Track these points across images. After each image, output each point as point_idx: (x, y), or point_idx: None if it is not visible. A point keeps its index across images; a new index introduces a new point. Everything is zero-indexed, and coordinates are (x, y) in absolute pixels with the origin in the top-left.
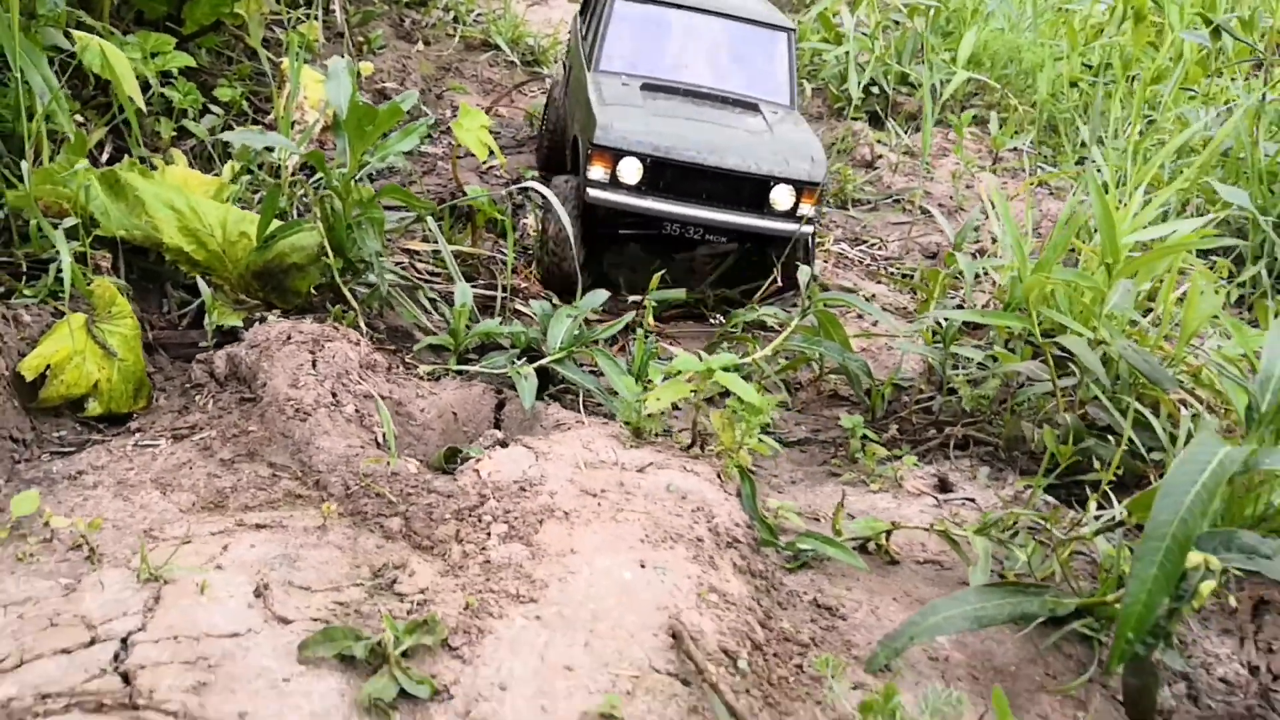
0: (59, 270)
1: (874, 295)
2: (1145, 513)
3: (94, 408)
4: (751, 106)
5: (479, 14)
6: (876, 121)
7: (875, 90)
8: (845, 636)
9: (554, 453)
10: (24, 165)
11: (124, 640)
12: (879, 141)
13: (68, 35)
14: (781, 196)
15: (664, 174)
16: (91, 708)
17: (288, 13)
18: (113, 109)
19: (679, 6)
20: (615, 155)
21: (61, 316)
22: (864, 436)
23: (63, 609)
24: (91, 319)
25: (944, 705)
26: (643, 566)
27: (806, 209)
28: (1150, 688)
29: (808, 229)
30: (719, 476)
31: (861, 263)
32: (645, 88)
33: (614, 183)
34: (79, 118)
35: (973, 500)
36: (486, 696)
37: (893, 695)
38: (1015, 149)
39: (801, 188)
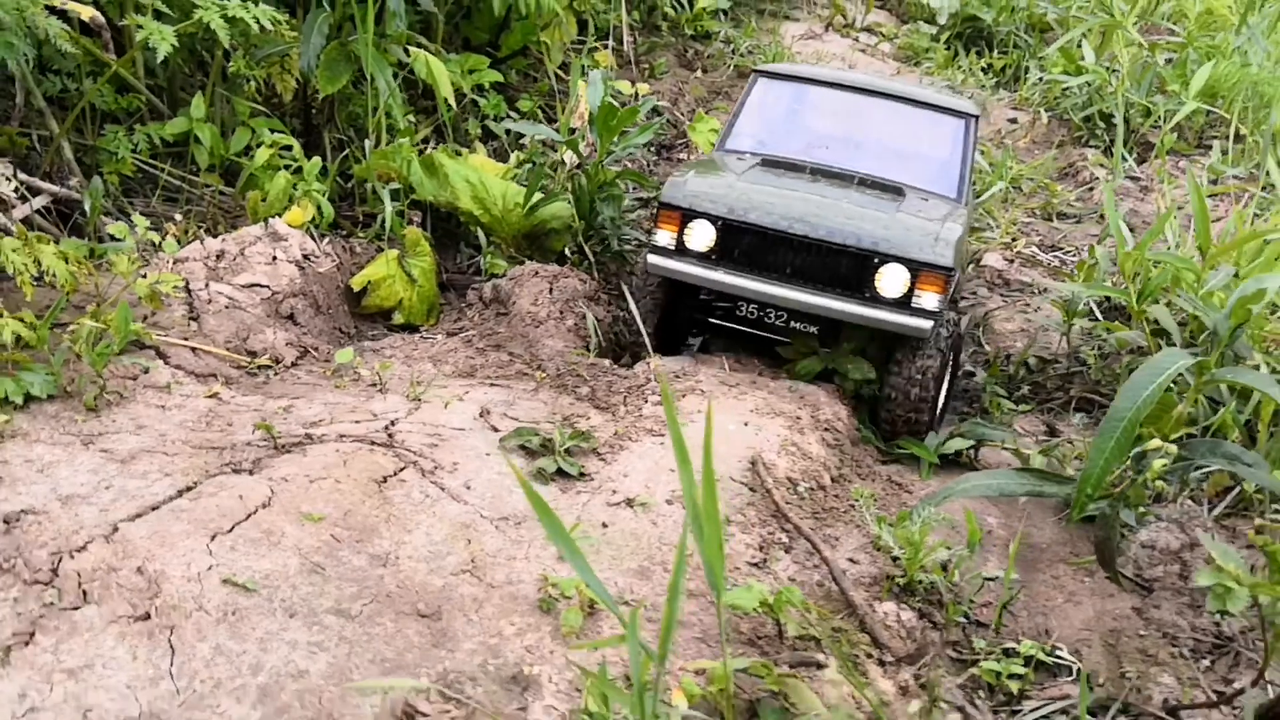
0: (383, 220)
1: (1046, 289)
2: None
3: (398, 318)
4: (894, 190)
5: (752, 46)
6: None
7: (1113, 120)
8: (905, 501)
9: (708, 360)
10: (367, 146)
11: (392, 422)
12: (1099, 164)
13: (406, 51)
14: (890, 279)
15: (740, 242)
16: (368, 444)
17: (584, 42)
18: (437, 111)
19: (836, 86)
20: (683, 216)
21: (382, 251)
22: (994, 391)
23: (359, 406)
24: (402, 255)
25: (934, 520)
26: (745, 425)
27: (928, 299)
28: (1111, 539)
29: (923, 324)
30: (839, 393)
31: (1048, 264)
32: (765, 164)
33: (680, 249)
34: (410, 117)
35: (1071, 442)
36: (613, 479)
37: (904, 519)
38: (1236, 176)
39: (918, 270)
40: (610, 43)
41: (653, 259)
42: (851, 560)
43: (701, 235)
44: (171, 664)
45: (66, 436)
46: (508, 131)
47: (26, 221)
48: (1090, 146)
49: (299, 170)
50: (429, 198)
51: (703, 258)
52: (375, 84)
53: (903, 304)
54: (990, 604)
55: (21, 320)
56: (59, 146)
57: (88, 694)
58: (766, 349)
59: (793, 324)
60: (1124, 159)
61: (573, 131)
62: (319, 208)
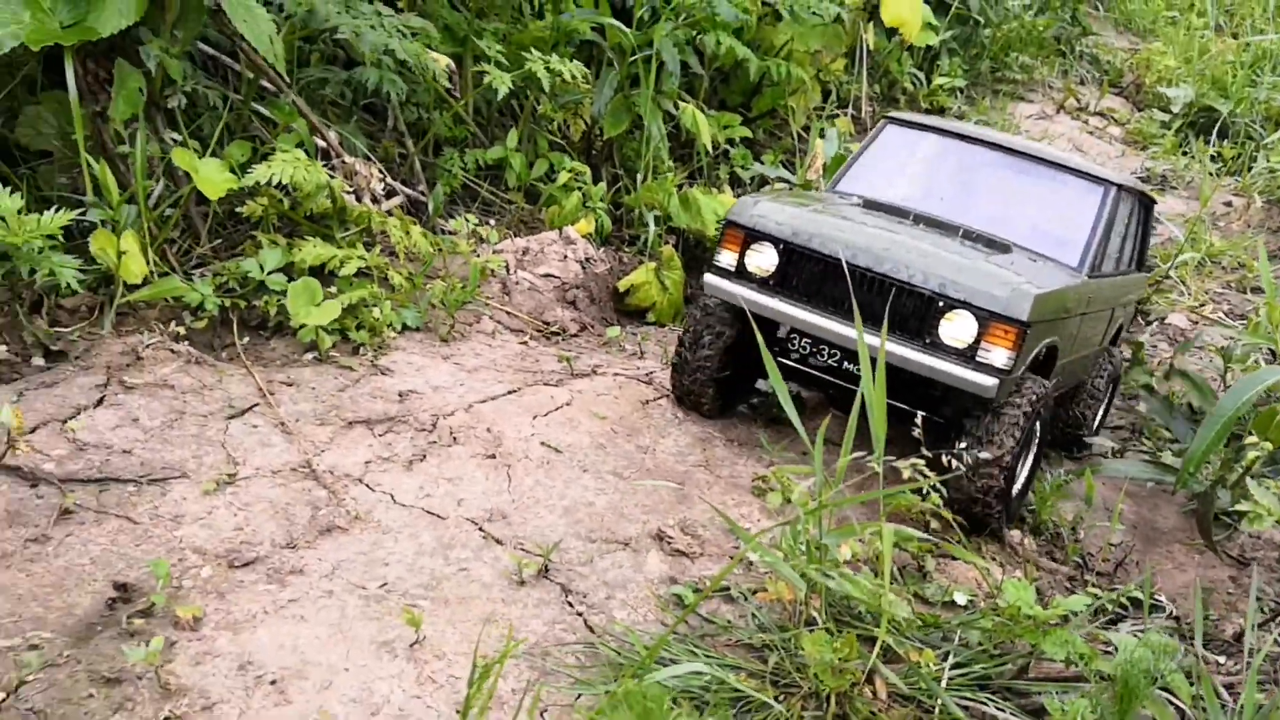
0: (646, 239)
1: (1209, 340)
2: (1267, 431)
3: (650, 316)
4: (999, 246)
5: (982, 121)
6: None
7: None
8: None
9: None
10: (638, 179)
11: (649, 372)
12: None
13: (675, 105)
14: (956, 327)
15: (801, 270)
16: (635, 380)
17: (825, 108)
18: (695, 157)
19: (965, 139)
20: (746, 237)
21: (643, 263)
22: (1155, 424)
23: (626, 361)
24: (659, 267)
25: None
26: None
27: (996, 355)
28: (1208, 514)
29: (985, 380)
30: None
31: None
32: (866, 204)
33: (740, 273)
34: (672, 160)
35: None
36: None
37: (1059, 486)
38: None
39: (988, 321)
40: (850, 110)
41: (710, 279)
42: None
43: (762, 258)
44: (509, 485)
45: (430, 353)
46: (752, 179)
47: (389, 212)
48: None
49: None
50: (683, 225)
51: (761, 283)
52: (649, 130)
53: (967, 356)
54: (1109, 560)
55: (399, 274)
56: (413, 161)
57: (458, 492)
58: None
59: (845, 365)
60: None
61: (809, 182)
62: (599, 223)
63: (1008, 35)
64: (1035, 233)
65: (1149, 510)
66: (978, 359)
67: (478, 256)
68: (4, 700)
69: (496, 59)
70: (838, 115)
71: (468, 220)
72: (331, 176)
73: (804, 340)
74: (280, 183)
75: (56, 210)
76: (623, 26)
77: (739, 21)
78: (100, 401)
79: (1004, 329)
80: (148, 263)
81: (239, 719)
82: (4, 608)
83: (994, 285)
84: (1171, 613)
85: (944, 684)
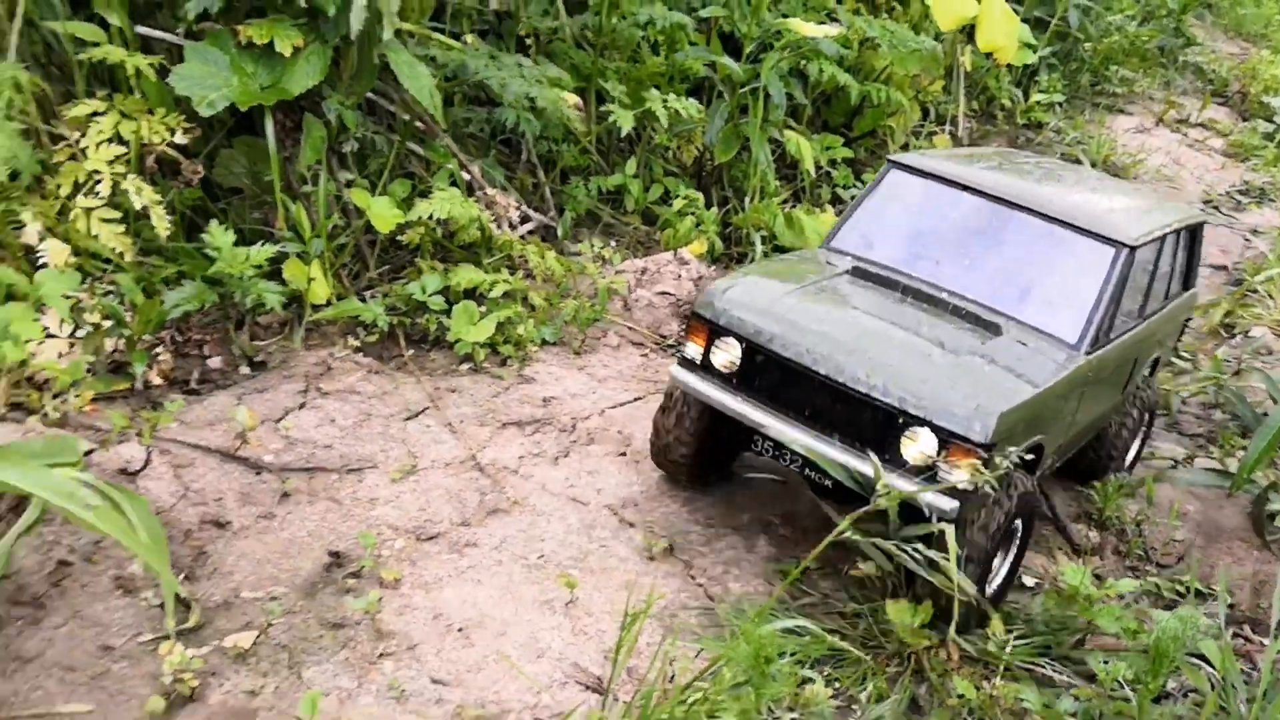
0: (753, 257)
1: None
2: None
3: None
4: (989, 326)
5: (1081, 137)
6: None
7: None
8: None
9: None
10: (746, 202)
11: None
12: None
13: (780, 131)
14: (916, 444)
15: (764, 370)
16: None
17: (924, 127)
18: (798, 178)
19: (971, 190)
20: (711, 330)
21: None
22: (1227, 431)
23: None
24: None
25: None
26: None
27: (957, 476)
28: (1260, 515)
29: (944, 504)
30: None
31: None
32: (854, 273)
33: (706, 366)
34: (778, 181)
35: None
36: None
37: (1120, 487)
38: None
39: (949, 440)
40: (948, 128)
41: (676, 371)
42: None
43: (726, 354)
44: (638, 478)
45: (566, 364)
46: (853, 197)
47: (523, 237)
48: None
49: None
50: (788, 244)
51: (725, 380)
52: (756, 156)
53: (930, 477)
54: (1170, 554)
55: (539, 295)
56: (544, 190)
57: (597, 483)
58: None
59: (807, 471)
60: None
61: None
62: (711, 244)
63: (1109, 48)
64: (1036, 301)
65: (1214, 510)
66: (939, 478)
67: (603, 278)
68: (258, 637)
69: (620, 98)
70: (936, 133)
71: (593, 244)
72: (480, 210)
73: (768, 442)
74: (438, 218)
75: (256, 244)
76: (732, 63)
77: (840, 55)
78: (302, 405)
79: (964, 451)
80: (328, 286)
81: (435, 656)
82: (248, 569)
83: (956, 400)
84: (1230, 602)
85: (1009, 649)
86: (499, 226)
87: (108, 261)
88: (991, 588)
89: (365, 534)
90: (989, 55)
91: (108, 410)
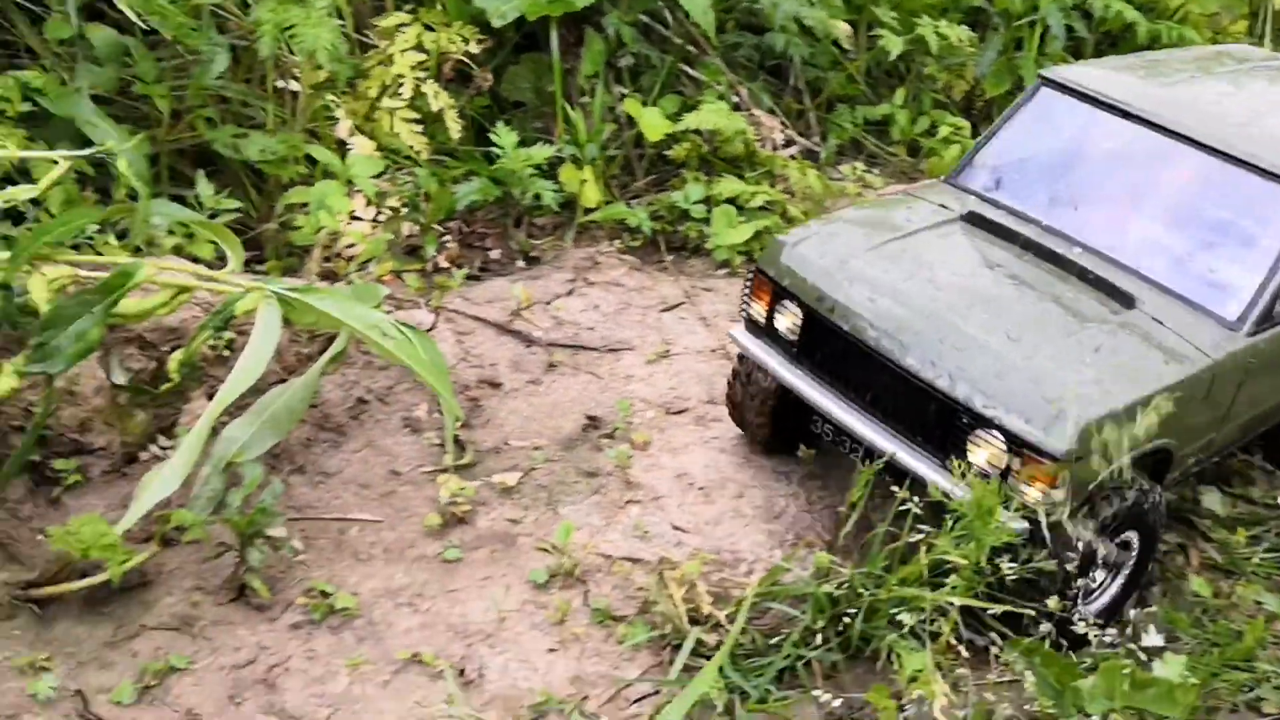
0: None
1: None
2: None
3: None
4: (1122, 297)
5: None
6: None
7: None
8: None
9: None
10: None
11: None
12: None
13: None
14: (984, 449)
15: (826, 343)
16: None
17: None
18: None
19: (1140, 121)
20: (775, 291)
21: None
22: None
23: None
24: None
25: None
26: None
27: (1030, 492)
28: None
29: (1014, 525)
30: None
31: None
32: (969, 219)
33: (769, 330)
34: None
35: None
36: None
37: None
38: None
39: (1022, 448)
40: None
41: (735, 332)
42: None
43: (787, 320)
44: None
45: None
46: None
47: (791, 158)
48: None
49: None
50: None
51: (787, 348)
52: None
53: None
54: None
55: (797, 209)
56: (809, 116)
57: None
58: None
59: (871, 463)
60: None
61: None
62: None
63: None
64: (1194, 264)
65: None
66: (1008, 493)
67: (861, 198)
68: (522, 477)
69: (890, 24)
70: None
71: (855, 168)
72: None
73: (828, 425)
74: (704, 129)
75: (534, 146)
76: None
77: None
78: (570, 292)
79: (1038, 463)
80: (598, 192)
81: (677, 508)
82: (516, 423)
83: (1035, 399)
84: None
85: (1255, 559)
86: (763, 146)
87: (406, 158)
88: (1091, 608)
89: (622, 402)
90: None
91: (403, 280)
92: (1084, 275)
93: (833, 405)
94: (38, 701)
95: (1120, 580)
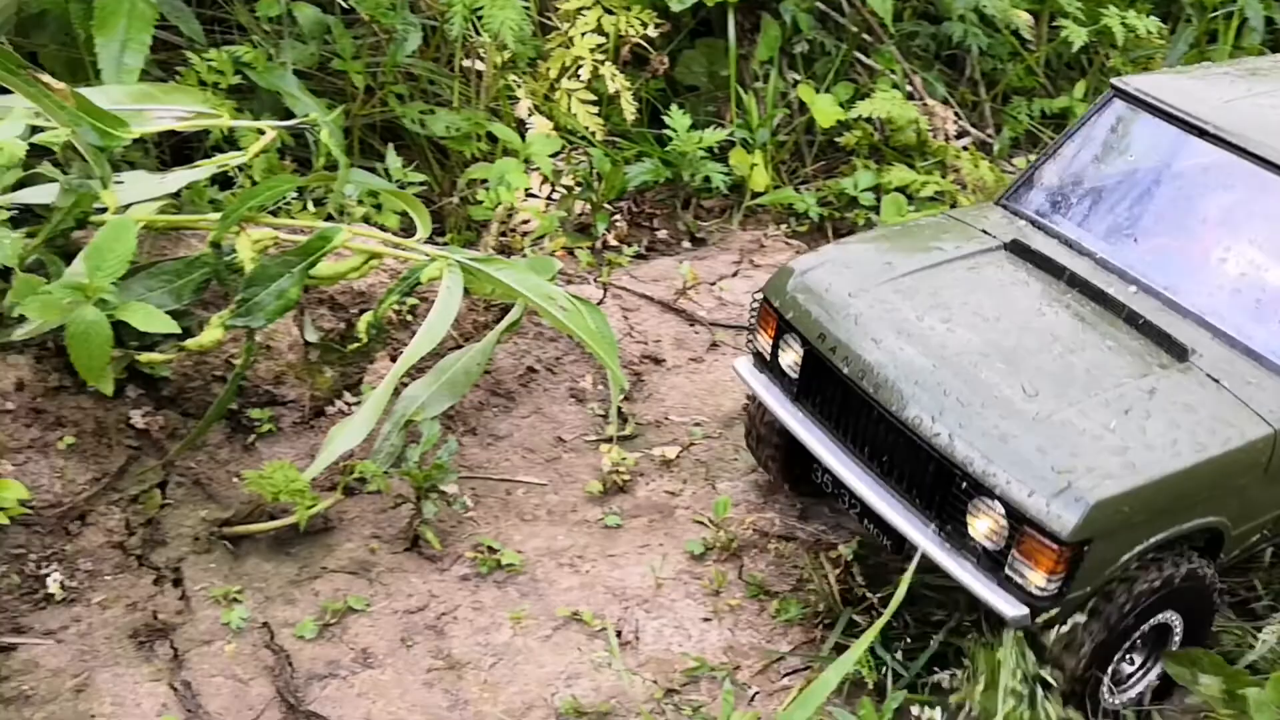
0: None
1: None
2: None
3: None
4: (1173, 348)
5: None
6: None
7: None
8: None
9: None
10: None
11: None
12: None
13: None
14: (983, 519)
15: (823, 382)
16: None
17: None
18: None
19: (1222, 143)
20: (779, 322)
21: None
22: None
23: None
24: None
25: None
26: None
27: (1033, 576)
28: None
29: (1013, 610)
30: None
31: None
32: (1013, 248)
33: (773, 365)
34: None
35: None
36: None
37: None
38: None
39: (1022, 525)
40: None
41: (739, 366)
42: None
43: (790, 355)
44: None
45: None
46: None
47: (964, 148)
48: None
49: None
50: None
51: (787, 385)
52: None
53: (994, 564)
54: None
55: (969, 201)
56: (983, 107)
57: None
58: None
59: (866, 523)
60: None
61: None
62: None
63: None
64: (1266, 309)
65: None
66: (1007, 572)
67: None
68: (681, 451)
69: (1075, 14)
70: None
71: (1029, 161)
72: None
73: (827, 475)
74: (876, 117)
75: (705, 129)
76: None
77: None
78: (735, 273)
79: (1040, 542)
80: (767, 176)
81: None
82: (677, 398)
83: (1043, 469)
84: None
85: None
86: (935, 136)
87: (582, 138)
88: (1119, 699)
89: None
90: None
91: (574, 256)
92: (1133, 320)
93: (829, 454)
94: (231, 630)
95: (1158, 669)
